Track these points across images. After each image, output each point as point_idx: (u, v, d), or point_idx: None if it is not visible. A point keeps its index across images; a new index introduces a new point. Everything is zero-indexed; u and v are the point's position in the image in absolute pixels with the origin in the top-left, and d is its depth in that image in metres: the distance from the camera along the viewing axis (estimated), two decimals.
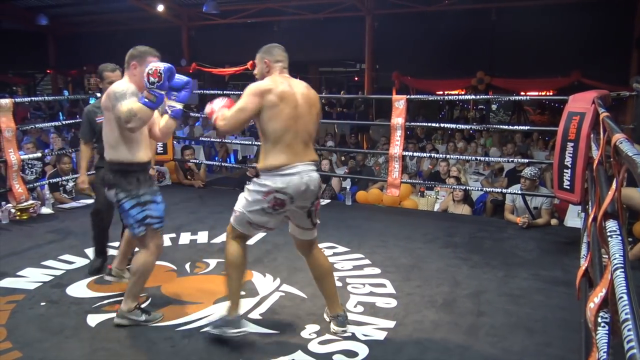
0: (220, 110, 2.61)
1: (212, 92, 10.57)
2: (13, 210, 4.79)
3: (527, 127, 7.92)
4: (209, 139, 9.58)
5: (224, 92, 10.85)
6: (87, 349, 2.58)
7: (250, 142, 8.27)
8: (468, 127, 9.16)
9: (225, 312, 2.64)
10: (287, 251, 3.96)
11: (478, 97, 9.24)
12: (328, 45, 13.51)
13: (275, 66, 2.64)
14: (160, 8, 13.13)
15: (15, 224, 4.71)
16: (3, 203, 4.90)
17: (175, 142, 7.31)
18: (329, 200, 5.73)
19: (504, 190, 5.09)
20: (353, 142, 10.77)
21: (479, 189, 6.01)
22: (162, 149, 6.13)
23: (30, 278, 3.47)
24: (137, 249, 2.96)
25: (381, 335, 2.71)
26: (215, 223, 4.69)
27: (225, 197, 5.82)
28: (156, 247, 2.84)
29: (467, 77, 11.40)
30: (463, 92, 11.94)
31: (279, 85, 2.53)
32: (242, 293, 3.20)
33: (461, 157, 7.36)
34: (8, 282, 3.39)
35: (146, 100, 2.58)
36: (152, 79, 2.57)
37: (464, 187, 5.82)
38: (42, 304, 3.08)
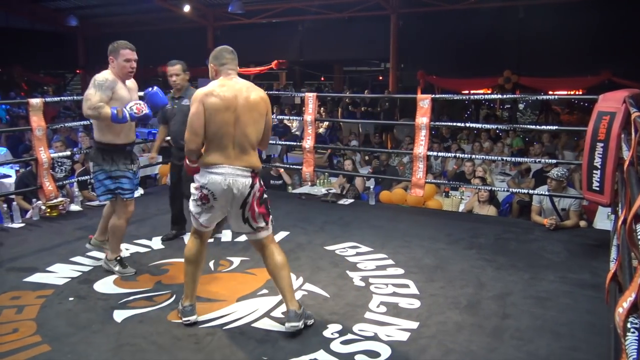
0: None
1: None
2: (43, 207, 4.90)
3: (555, 127, 7.77)
4: None
5: None
6: (113, 343, 2.63)
7: (274, 142, 8.31)
8: (494, 126, 9.03)
9: (183, 300, 2.87)
10: (309, 250, 3.97)
11: (505, 96, 9.11)
12: (352, 45, 13.49)
13: (221, 69, 2.76)
14: (187, 8, 13.30)
15: (45, 220, 4.82)
16: (34, 200, 5.02)
17: None
18: (352, 200, 5.72)
19: (531, 191, 5.01)
20: (377, 141, 10.73)
21: (505, 189, 5.92)
22: None
23: (59, 273, 3.55)
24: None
25: (404, 336, 2.69)
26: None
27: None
28: (124, 213, 3.49)
29: (494, 76, 11.24)
30: (489, 92, 11.79)
31: (218, 90, 2.65)
32: (265, 291, 3.22)
33: (487, 157, 7.26)
34: (38, 277, 3.47)
35: (116, 113, 3.22)
36: (134, 110, 3.29)
37: (490, 188, 5.75)
38: (71, 299, 3.15)
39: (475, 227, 4.68)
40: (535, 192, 4.91)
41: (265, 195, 2.78)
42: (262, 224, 2.75)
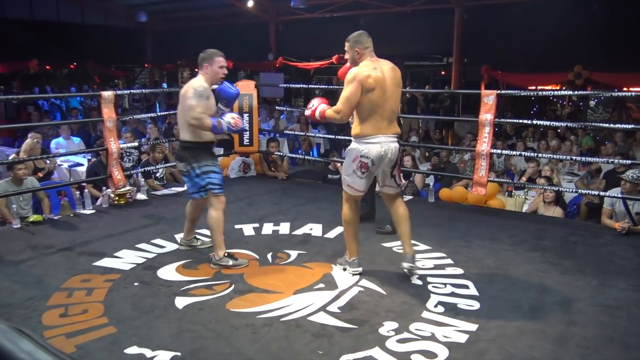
0: (321, 106, 3.33)
1: (297, 86, 10.73)
2: (112, 195, 5.13)
3: (630, 126, 7.32)
4: (293, 132, 9.75)
5: (309, 85, 11.01)
6: (174, 329, 2.71)
7: (333, 137, 8.31)
8: (563, 124, 8.64)
9: (346, 256, 3.46)
10: (367, 246, 3.94)
11: (575, 92, 8.67)
12: (414, 39, 13.27)
13: (365, 52, 3.19)
14: (250, 3, 13.51)
15: (113, 208, 5.05)
16: (104, 188, 5.27)
17: (260, 134, 7.50)
18: (411, 197, 5.63)
19: (602, 193, 4.75)
20: (437, 138, 10.52)
21: (573, 190, 5.65)
22: (248, 141, 6.31)
23: (126, 259, 3.70)
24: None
25: (462, 338, 2.62)
26: (297, 215, 4.76)
27: (307, 189, 5.90)
28: (220, 204, 3.53)
29: (563, 71, 10.72)
30: (558, 88, 11.26)
31: (372, 72, 3.10)
32: (322, 285, 3.23)
33: (554, 156, 6.95)
34: (106, 262, 3.65)
35: (216, 124, 3.42)
36: (231, 123, 3.47)
37: (557, 188, 5.50)
38: (136, 284, 3.28)
39: (540, 228, 4.49)
40: (607, 194, 4.66)
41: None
42: (402, 182, 3.40)
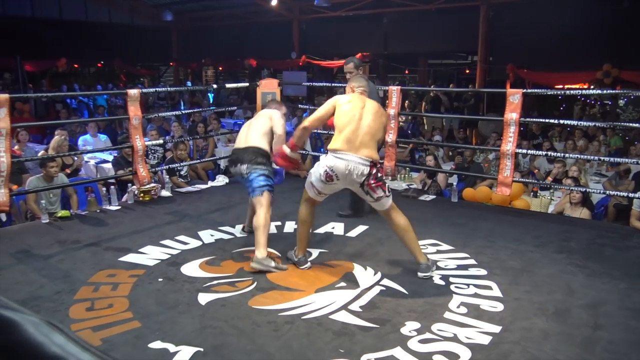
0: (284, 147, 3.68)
1: (321, 84, 10.73)
2: (137, 192, 5.21)
3: None
4: (316, 131, 9.73)
5: (332, 84, 11.01)
6: (197, 325, 2.75)
7: None
8: (591, 124, 8.46)
9: (294, 252, 3.56)
10: (389, 245, 3.92)
11: (604, 91, 8.48)
12: (438, 37, 13.14)
13: (357, 90, 3.54)
14: (274, 2, 13.55)
15: (138, 204, 5.13)
16: (129, 185, 5.36)
17: None
18: (434, 197, 5.59)
19: (631, 195, 4.64)
20: (461, 137, 10.41)
21: (601, 191, 5.53)
22: None
23: (150, 255, 3.76)
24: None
25: (485, 340, 2.59)
26: (319, 213, 4.74)
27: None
28: (270, 206, 3.70)
29: (591, 70, 10.49)
30: (586, 87, 11.03)
31: (349, 97, 3.45)
32: (344, 284, 3.23)
33: (582, 156, 6.82)
34: (131, 258, 3.71)
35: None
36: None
37: (584, 189, 5.39)
38: (160, 279, 3.33)
39: (566, 230, 4.41)
40: (637, 195, 4.55)
41: (380, 173, 3.34)
42: (380, 195, 3.31)
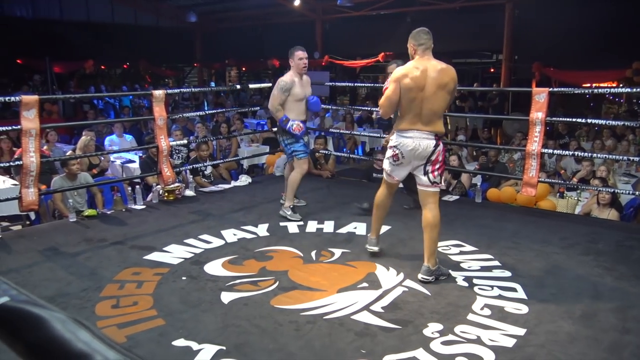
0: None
1: (343, 84, 10.71)
2: (161, 192, 5.28)
3: None
4: (338, 131, 9.75)
5: (355, 84, 11.00)
6: (219, 323, 2.77)
7: (378, 135, 8.26)
8: (620, 123, 8.27)
9: (370, 235, 3.73)
10: (411, 247, 3.90)
11: (634, 90, 8.27)
12: (462, 36, 13.01)
13: (418, 49, 3.30)
14: (297, 2, 13.59)
15: (163, 203, 5.19)
16: (154, 184, 5.43)
17: None
18: (457, 197, 5.53)
19: None
20: (486, 136, 10.28)
21: (630, 192, 5.40)
22: None
23: (174, 254, 3.81)
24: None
25: (509, 342, 2.56)
26: (341, 213, 4.76)
27: (351, 188, 5.89)
28: (300, 169, 4.61)
29: (621, 68, 10.26)
30: (615, 85, 10.79)
31: (412, 72, 3.23)
32: (365, 284, 3.23)
33: (610, 156, 6.67)
34: (156, 256, 3.76)
35: (284, 120, 4.57)
36: (293, 127, 4.56)
37: (612, 190, 5.27)
38: (183, 278, 3.37)
39: (593, 231, 4.33)
40: None
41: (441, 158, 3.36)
42: (437, 181, 3.36)
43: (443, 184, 3.60)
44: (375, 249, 3.68)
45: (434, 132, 3.29)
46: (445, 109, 3.39)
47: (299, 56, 4.73)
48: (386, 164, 3.48)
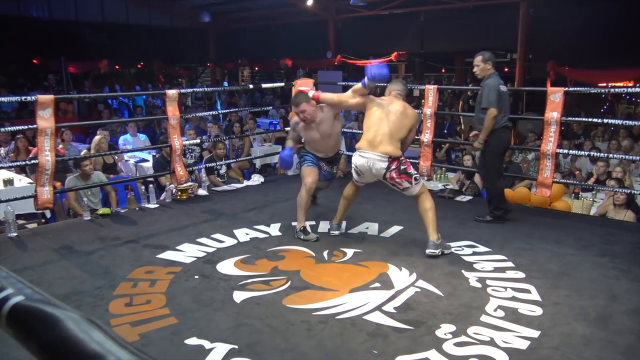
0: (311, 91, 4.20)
1: (356, 83, 10.62)
2: (175, 191, 5.31)
3: None
4: (350, 130, 9.72)
5: None
6: (232, 322, 2.78)
7: None
8: (637, 123, 8.16)
9: (333, 220, 4.19)
10: (424, 247, 3.87)
11: None
12: (476, 35, 12.91)
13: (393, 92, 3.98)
14: (310, 2, 13.58)
15: (176, 202, 5.23)
16: (167, 183, 5.47)
17: None
18: (471, 197, 5.50)
19: None
20: None
21: None
22: None
23: (187, 253, 3.83)
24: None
25: (523, 345, 2.53)
26: (353, 213, 4.74)
27: (363, 188, 5.86)
28: (304, 184, 4.17)
29: (637, 67, 10.13)
30: (631, 85, 10.64)
31: (379, 100, 3.90)
32: (378, 285, 3.21)
33: (626, 156, 6.59)
34: (169, 255, 3.78)
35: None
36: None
37: (629, 191, 5.20)
38: (196, 277, 3.39)
39: (609, 232, 4.27)
40: None
41: (403, 167, 3.73)
42: (405, 185, 3.75)
43: (418, 176, 3.87)
44: (336, 232, 4.15)
45: (387, 154, 3.70)
46: (402, 136, 3.82)
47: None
48: (352, 172, 3.97)
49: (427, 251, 3.66)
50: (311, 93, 4.13)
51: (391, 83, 4.06)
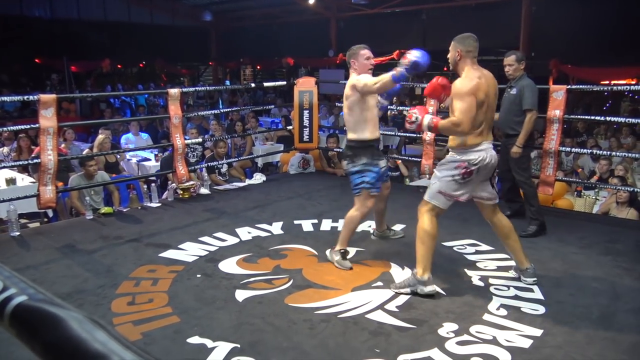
0: (427, 116, 3.01)
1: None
2: (177, 189, 5.31)
3: None
4: None
5: None
6: (234, 321, 2.78)
7: (392, 133, 8.25)
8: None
9: (417, 273, 3.07)
10: None
11: None
12: (478, 33, 12.62)
13: (466, 56, 3.07)
14: (311, 0, 13.57)
15: (178, 201, 5.23)
16: (169, 182, 5.47)
17: (320, 131, 7.53)
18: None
19: None
20: (500, 134, 10.17)
21: None
22: (308, 137, 6.36)
23: (189, 251, 3.83)
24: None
25: (526, 343, 2.53)
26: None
27: None
28: (362, 207, 3.51)
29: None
30: (634, 82, 10.61)
31: (482, 85, 2.96)
32: (380, 283, 3.21)
33: (629, 154, 6.57)
34: (171, 254, 3.78)
35: (395, 73, 3.21)
36: (404, 63, 3.16)
37: (632, 189, 5.18)
38: (198, 275, 3.39)
39: (612, 231, 4.26)
40: None
41: None
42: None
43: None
44: (435, 289, 3.08)
45: (492, 140, 3.13)
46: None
47: (365, 55, 3.73)
48: (446, 185, 3.04)
49: (530, 280, 3.20)
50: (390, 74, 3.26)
51: (458, 39, 3.19)
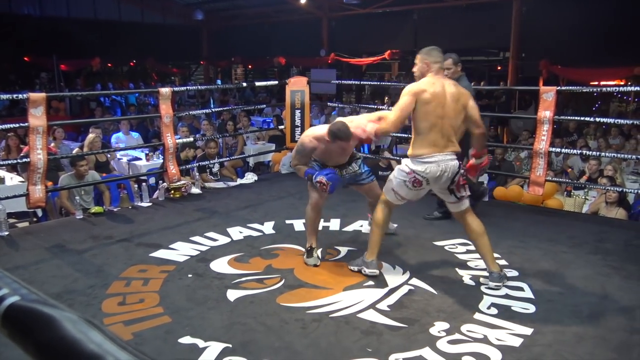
0: (369, 125, 3.23)
1: (349, 82, 10.67)
2: (168, 188, 5.29)
3: None
4: None
5: (361, 82, 10.95)
6: (225, 321, 2.77)
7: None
8: (629, 121, 8.22)
9: (365, 256, 3.30)
10: (417, 245, 3.89)
11: None
12: (469, 33, 12.95)
13: (433, 67, 3.10)
14: (303, 0, 13.56)
15: (169, 201, 5.20)
16: (160, 182, 5.44)
17: None
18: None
19: None
20: (492, 135, 10.24)
21: (638, 191, 5.36)
22: (299, 136, 6.34)
23: (180, 251, 3.81)
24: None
25: (516, 342, 2.55)
26: (348, 212, 4.75)
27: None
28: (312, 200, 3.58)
29: (629, 66, 10.18)
30: (623, 83, 10.71)
31: (430, 87, 3.01)
32: (371, 283, 3.22)
33: (618, 154, 6.63)
34: (162, 253, 3.77)
35: (308, 170, 3.51)
36: (317, 181, 3.38)
37: (620, 189, 5.24)
38: (189, 275, 3.38)
39: (601, 230, 4.30)
40: None
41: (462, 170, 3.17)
42: (463, 194, 3.20)
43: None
44: (377, 272, 3.30)
45: (455, 152, 3.12)
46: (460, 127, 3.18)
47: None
48: (398, 187, 3.18)
49: (493, 284, 3.13)
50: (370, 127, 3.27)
51: (424, 51, 3.17)
